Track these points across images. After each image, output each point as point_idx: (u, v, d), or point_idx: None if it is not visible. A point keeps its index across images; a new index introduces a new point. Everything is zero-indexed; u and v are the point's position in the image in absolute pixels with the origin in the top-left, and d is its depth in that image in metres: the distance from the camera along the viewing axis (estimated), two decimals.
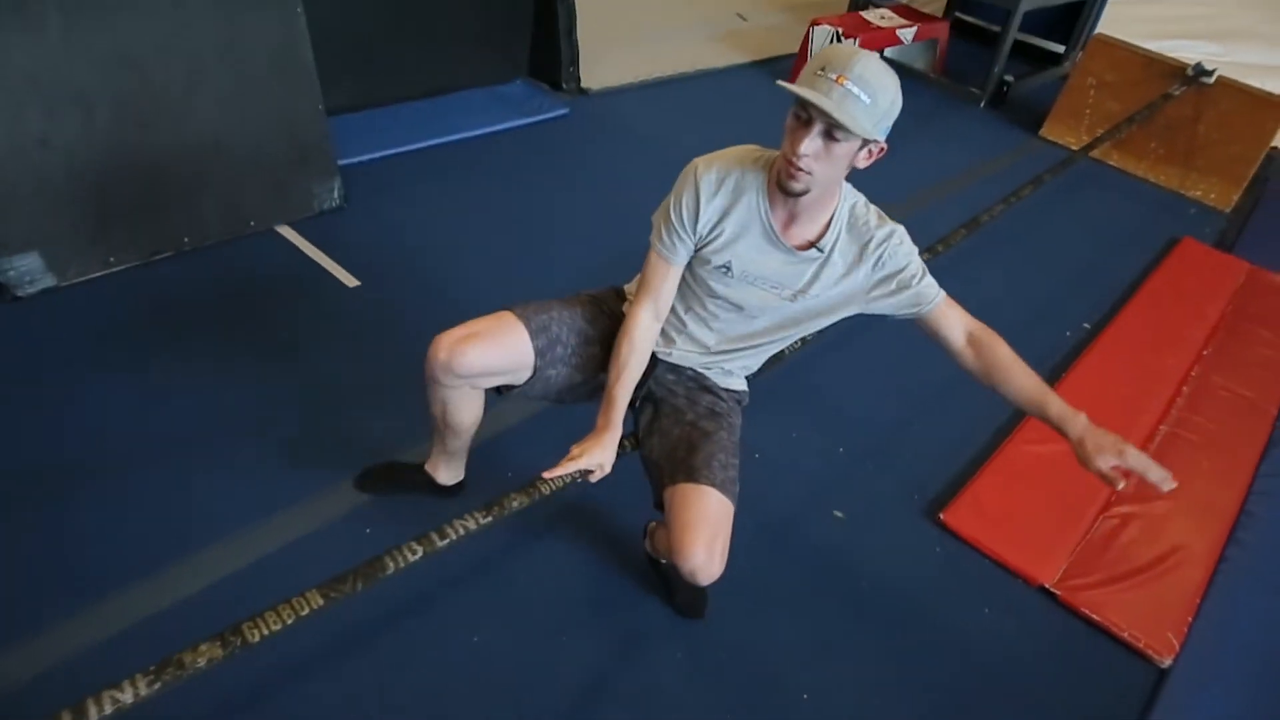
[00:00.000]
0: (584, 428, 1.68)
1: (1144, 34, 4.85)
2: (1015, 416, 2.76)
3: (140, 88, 2.61)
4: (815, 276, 1.60)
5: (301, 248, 2.98)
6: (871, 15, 5.12)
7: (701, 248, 1.63)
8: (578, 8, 4.29)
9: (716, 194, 1.58)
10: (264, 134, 2.94)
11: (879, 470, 2.51)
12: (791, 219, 1.57)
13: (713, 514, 1.60)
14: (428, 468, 2.06)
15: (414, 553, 1.46)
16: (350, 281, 2.86)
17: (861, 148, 1.42)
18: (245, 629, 1.26)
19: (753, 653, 1.96)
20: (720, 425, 1.75)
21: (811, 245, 1.58)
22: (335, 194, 3.18)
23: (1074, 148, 4.69)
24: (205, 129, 2.79)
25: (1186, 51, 4.69)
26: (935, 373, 2.90)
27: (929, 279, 1.63)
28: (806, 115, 1.38)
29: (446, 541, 1.50)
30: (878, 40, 4.85)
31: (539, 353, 1.71)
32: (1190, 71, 4.34)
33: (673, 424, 1.74)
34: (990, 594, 2.19)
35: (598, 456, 1.61)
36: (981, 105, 5.18)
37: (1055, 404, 1.55)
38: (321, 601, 1.34)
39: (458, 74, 4.19)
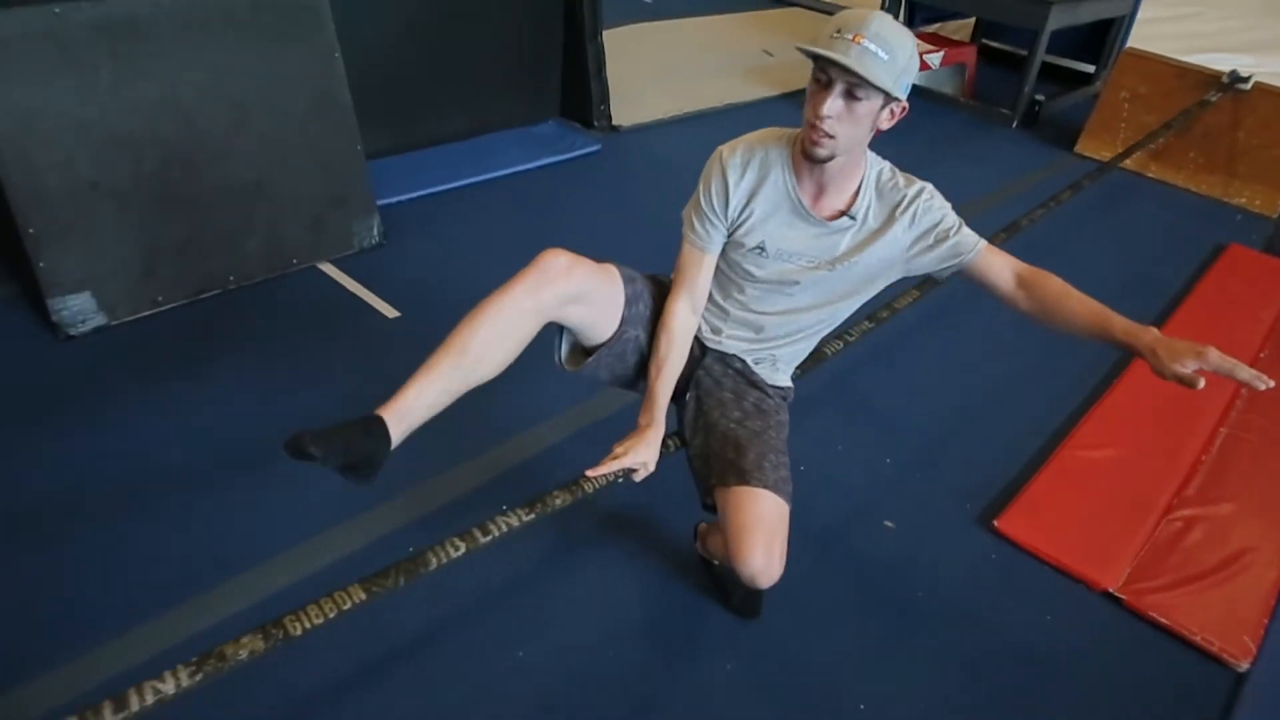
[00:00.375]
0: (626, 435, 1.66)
1: (1175, 50, 4.80)
2: (1067, 423, 2.69)
3: (185, 132, 2.70)
4: (850, 244, 1.59)
5: (343, 283, 3.04)
6: None
7: (734, 231, 1.62)
8: (607, 48, 4.39)
9: (744, 176, 1.59)
10: (304, 174, 3.02)
11: (928, 480, 2.45)
12: (820, 190, 1.57)
13: (769, 516, 1.57)
14: (387, 414, 1.49)
15: (456, 549, 1.45)
16: (391, 313, 2.90)
17: (883, 107, 1.43)
18: (287, 622, 1.25)
19: (805, 663, 1.90)
20: (768, 423, 1.72)
21: (842, 214, 1.58)
22: (375, 232, 3.25)
23: (1108, 160, 4.62)
24: (248, 170, 2.87)
25: (1220, 65, 4.63)
26: (982, 383, 2.88)
27: (966, 229, 1.61)
28: (826, 77, 1.39)
29: (489, 538, 1.48)
30: None
31: (628, 301, 1.66)
32: (1225, 79, 4.29)
33: (719, 419, 1.70)
34: (1051, 600, 2.10)
35: (641, 454, 1.58)
36: (1013, 126, 5.16)
37: (1119, 322, 1.49)
38: (364, 596, 1.33)
39: (491, 116, 4.29)
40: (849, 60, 1.33)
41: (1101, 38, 5.81)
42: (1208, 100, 4.21)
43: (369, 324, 2.85)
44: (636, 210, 3.78)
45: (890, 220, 1.58)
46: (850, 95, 1.39)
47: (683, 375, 1.71)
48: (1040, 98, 5.15)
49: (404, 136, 3.95)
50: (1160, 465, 2.52)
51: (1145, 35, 5.62)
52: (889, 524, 2.28)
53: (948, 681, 1.89)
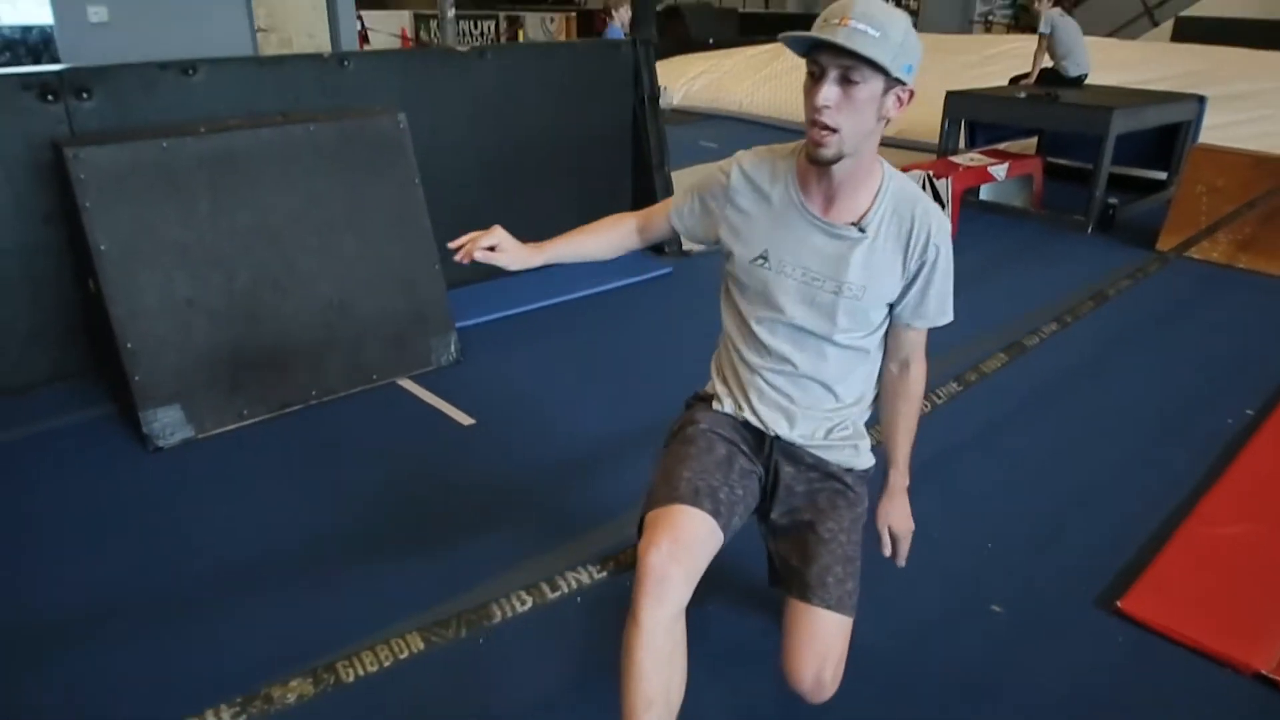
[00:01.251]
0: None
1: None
2: (1186, 502, 2.47)
3: (275, 254, 2.87)
4: (860, 267, 1.46)
5: (421, 396, 3.09)
6: (960, 158, 5.22)
7: (735, 239, 1.56)
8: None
9: (747, 181, 1.53)
10: (386, 294, 3.14)
11: (1036, 564, 2.25)
12: (829, 200, 1.46)
13: (824, 637, 1.53)
14: None
15: (522, 602, 1.37)
16: (466, 420, 2.92)
17: (886, 92, 1.33)
18: (339, 667, 1.19)
19: None
20: (841, 524, 1.59)
21: (853, 225, 1.45)
22: (452, 349, 3.32)
23: (1196, 258, 4.49)
24: (332, 290, 3.01)
25: None
26: (1085, 467, 2.70)
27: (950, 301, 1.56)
28: (819, 68, 1.31)
29: (557, 594, 1.41)
30: (969, 178, 4.91)
31: (724, 526, 1.52)
32: None
33: (789, 524, 1.64)
34: (1194, 684, 1.85)
35: (509, 243, 1.65)
36: (1089, 231, 5.09)
37: (901, 456, 1.67)
38: (422, 645, 1.25)
39: None
40: (838, 38, 1.26)
41: (1170, 145, 5.78)
42: None
43: (445, 432, 2.87)
44: (705, 326, 3.78)
45: (902, 254, 1.47)
46: (846, 80, 1.30)
47: (757, 478, 1.63)
48: (1114, 201, 5.10)
49: (482, 267, 4.08)
50: None
51: (1214, 139, 5.57)
52: (996, 608, 2.08)
53: None
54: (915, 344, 1.59)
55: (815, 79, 1.32)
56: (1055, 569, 2.23)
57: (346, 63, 3.52)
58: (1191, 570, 2.17)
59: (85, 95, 2.85)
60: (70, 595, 2.09)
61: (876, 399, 1.68)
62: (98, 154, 2.54)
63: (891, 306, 1.54)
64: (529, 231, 4.45)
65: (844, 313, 1.50)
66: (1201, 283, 4.30)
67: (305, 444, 2.78)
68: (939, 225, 1.47)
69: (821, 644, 1.52)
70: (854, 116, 1.32)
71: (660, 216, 1.68)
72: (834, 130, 1.32)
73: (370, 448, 2.78)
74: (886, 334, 1.59)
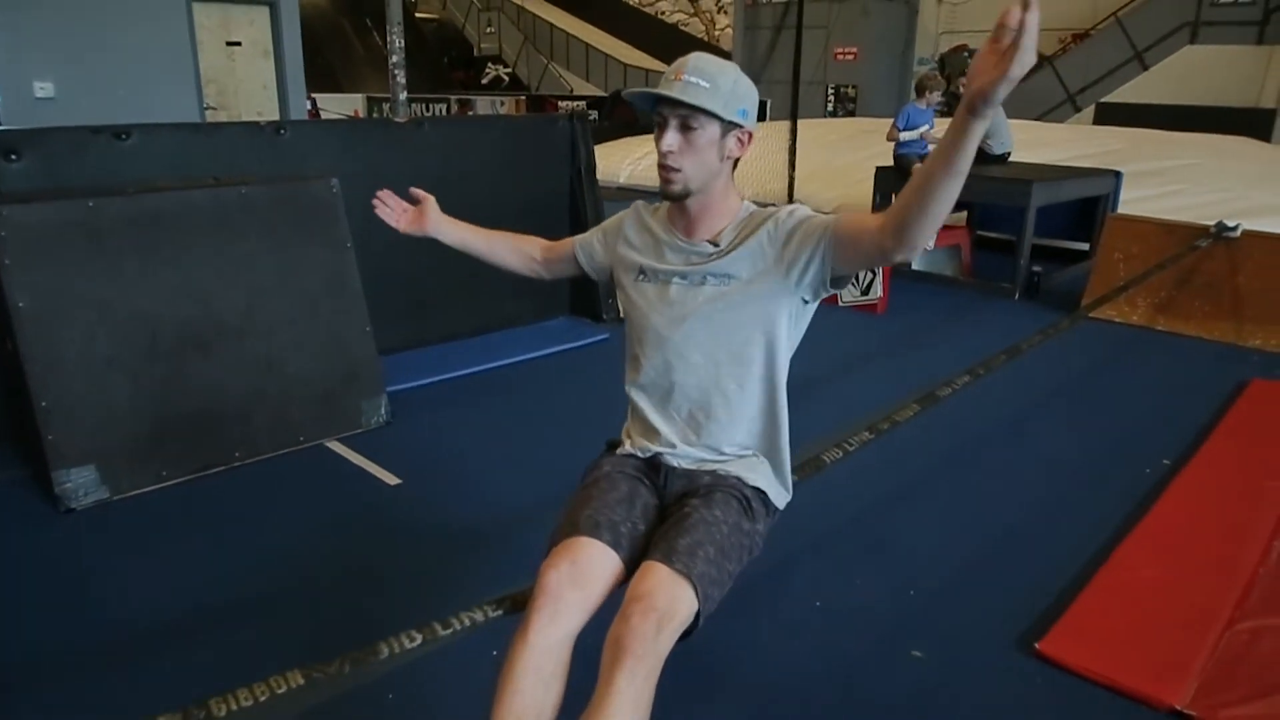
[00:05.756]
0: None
1: None
2: (1105, 548, 2.51)
3: (202, 314, 2.85)
4: (721, 264, 1.54)
5: (348, 457, 3.05)
6: None
7: (622, 261, 1.68)
8: None
9: (638, 221, 1.68)
10: (315, 354, 3.12)
11: (957, 609, 2.26)
12: (691, 228, 1.58)
13: (671, 596, 1.35)
14: None
15: (412, 640, 1.34)
16: (392, 480, 2.88)
17: (725, 135, 1.48)
18: (212, 704, 1.14)
19: None
20: (727, 514, 1.53)
21: (709, 242, 1.57)
22: (382, 410, 3.29)
23: (1118, 320, 4.67)
24: (260, 351, 2.98)
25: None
26: (1008, 516, 2.75)
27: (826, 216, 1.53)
28: (661, 117, 1.47)
29: (449, 631, 1.38)
30: None
31: (622, 555, 1.51)
32: (1213, 229, 4.40)
33: (676, 513, 1.56)
34: None
35: (413, 215, 1.88)
36: (1016, 297, 5.26)
37: (953, 123, 1.18)
38: (301, 680, 1.22)
39: (504, 315, 4.46)
40: (672, 92, 1.42)
41: (1091, 218, 6.05)
42: (1197, 245, 4.29)
43: (370, 492, 2.83)
44: None
45: (755, 229, 1.54)
46: (686, 127, 1.45)
47: (659, 510, 1.61)
48: (1038, 269, 5.29)
49: (419, 333, 4.10)
50: (1214, 579, 2.31)
51: (1133, 212, 5.84)
52: (917, 654, 2.08)
53: None
54: (859, 216, 1.46)
55: (660, 129, 1.48)
56: (976, 614, 2.23)
57: (283, 131, 3.57)
58: (1108, 612, 2.19)
59: (13, 157, 2.85)
60: None
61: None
62: (20, 212, 2.53)
63: (804, 273, 1.50)
64: (467, 298, 4.46)
65: (719, 297, 1.53)
66: (1123, 343, 4.46)
67: (225, 505, 2.71)
68: (778, 209, 1.56)
69: (665, 599, 1.34)
70: (695, 158, 1.47)
71: (566, 248, 1.82)
72: (677, 170, 1.48)
73: (292, 508, 2.72)
74: (856, 252, 1.45)
